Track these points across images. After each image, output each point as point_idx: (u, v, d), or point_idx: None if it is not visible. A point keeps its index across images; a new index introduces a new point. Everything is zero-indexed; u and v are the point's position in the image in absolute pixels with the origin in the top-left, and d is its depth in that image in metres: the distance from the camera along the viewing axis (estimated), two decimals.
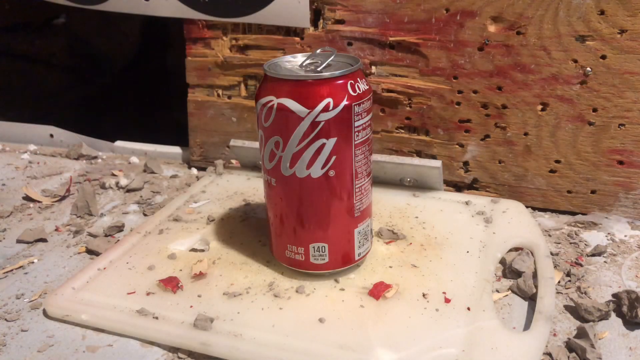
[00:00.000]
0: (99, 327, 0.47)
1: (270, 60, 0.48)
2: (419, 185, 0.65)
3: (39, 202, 0.69)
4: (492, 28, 0.61)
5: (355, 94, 0.44)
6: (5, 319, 0.48)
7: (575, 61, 0.59)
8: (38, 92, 0.81)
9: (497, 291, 0.51)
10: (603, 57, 0.58)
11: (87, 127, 0.85)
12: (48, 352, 0.44)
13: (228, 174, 0.72)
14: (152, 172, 0.77)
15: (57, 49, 0.87)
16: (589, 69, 0.58)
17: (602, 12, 0.57)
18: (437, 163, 0.62)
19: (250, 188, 0.68)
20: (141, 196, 0.70)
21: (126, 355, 0.44)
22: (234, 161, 0.77)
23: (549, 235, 0.60)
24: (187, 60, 0.74)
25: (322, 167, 0.46)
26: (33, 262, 0.57)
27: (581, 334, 0.45)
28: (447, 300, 0.47)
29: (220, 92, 0.75)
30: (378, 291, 0.48)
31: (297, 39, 0.69)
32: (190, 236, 0.58)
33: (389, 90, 0.66)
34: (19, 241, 0.60)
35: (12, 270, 0.55)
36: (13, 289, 0.52)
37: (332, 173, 0.46)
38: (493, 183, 0.66)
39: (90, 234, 0.62)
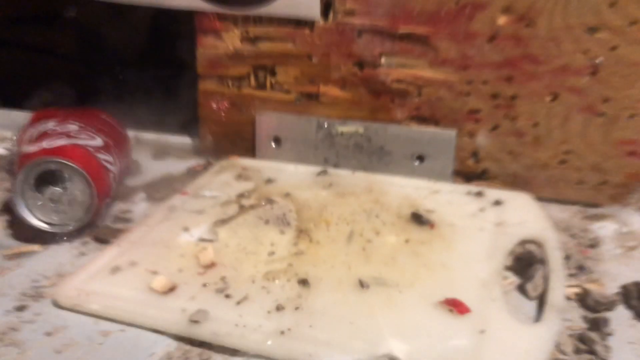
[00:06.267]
0: (108, 316, 0.47)
1: None
2: (428, 166, 0.66)
3: None
4: (502, 20, 0.60)
5: None
6: (16, 305, 0.48)
7: (586, 52, 0.59)
8: (48, 83, 0.81)
9: (507, 283, 0.51)
10: (614, 48, 0.58)
11: None
12: (59, 337, 0.45)
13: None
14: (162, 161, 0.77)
15: (67, 41, 0.87)
16: (599, 60, 0.58)
17: (613, 4, 0.56)
18: (451, 132, 0.62)
19: None
20: (150, 185, 0.71)
21: (137, 343, 0.45)
22: None
23: (559, 227, 0.60)
24: (198, 51, 0.74)
25: None
26: (42, 251, 0.57)
27: (591, 325, 0.45)
28: (456, 292, 0.47)
29: (230, 82, 0.75)
30: None
31: (307, 31, 0.69)
32: (199, 226, 0.58)
33: (398, 81, 0.66)
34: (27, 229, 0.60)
35: (21, 257, 0.56)
36: (23, 276, 0.53)
37: None
38: (502, 174, 0.66)
39: (99, 223, 0.62)
